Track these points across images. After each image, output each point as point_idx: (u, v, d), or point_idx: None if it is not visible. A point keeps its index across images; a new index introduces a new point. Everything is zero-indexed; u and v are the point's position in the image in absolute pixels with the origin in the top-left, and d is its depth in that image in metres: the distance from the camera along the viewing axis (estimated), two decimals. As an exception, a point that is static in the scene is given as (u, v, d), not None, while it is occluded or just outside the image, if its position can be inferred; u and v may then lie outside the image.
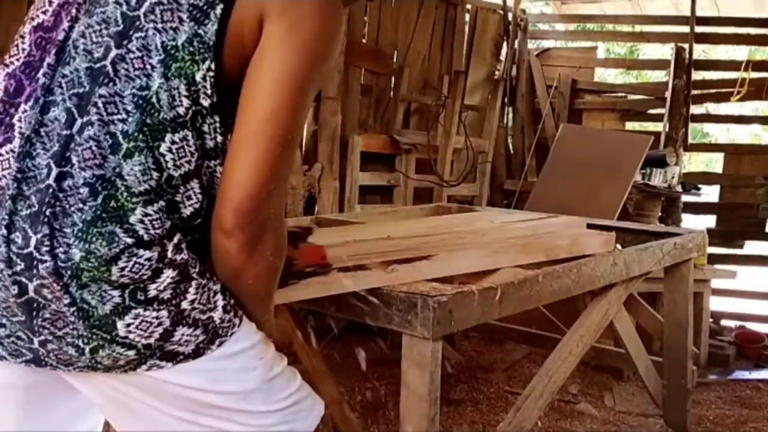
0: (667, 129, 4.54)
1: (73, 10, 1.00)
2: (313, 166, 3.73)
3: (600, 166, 4.03)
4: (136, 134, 0.93)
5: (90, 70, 0.95)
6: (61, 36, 0.99)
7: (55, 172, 0.93)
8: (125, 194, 0.93)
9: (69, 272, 0.92)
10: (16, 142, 0.96)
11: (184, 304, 0.98)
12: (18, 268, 0.92)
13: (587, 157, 4.14)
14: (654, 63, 5.89)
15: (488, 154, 4.63)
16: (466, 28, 4.78)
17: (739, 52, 7.07)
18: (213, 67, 0.96)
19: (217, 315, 1.01)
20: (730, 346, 3.90)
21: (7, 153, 0.96)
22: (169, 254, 0.97)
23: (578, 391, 3.28)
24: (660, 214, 4.26)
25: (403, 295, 1.54)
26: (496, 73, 4.98)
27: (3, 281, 0.94)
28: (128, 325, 0.94)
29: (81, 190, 0.92)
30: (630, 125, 5.15)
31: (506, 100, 4.95)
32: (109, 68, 0.95)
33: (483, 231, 2.25)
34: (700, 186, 4.49)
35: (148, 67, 0.94)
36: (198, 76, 0.95)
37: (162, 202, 0.96)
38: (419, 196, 4.24)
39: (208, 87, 0.96)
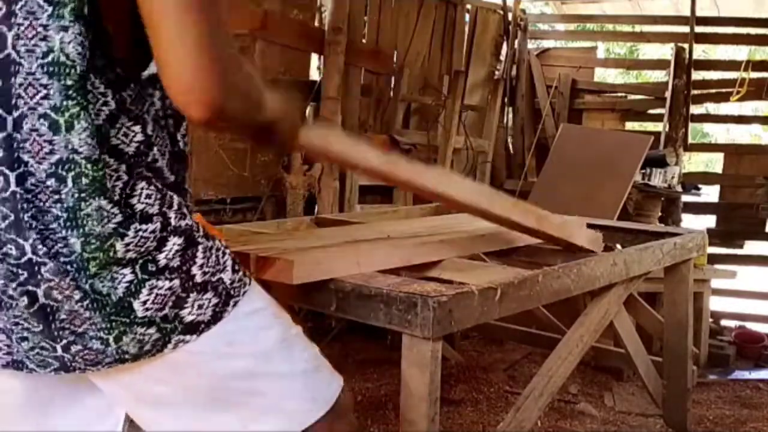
0: (667, 129, 4.55)
1: None
2: (313, 166, 3.73)
3: (600, 166, 4.03)
4: (65, 103, 0.88)
5: None
6: None
7: (12, 177, 0.90)
8: (89, 165, 0.89)
9: (75, 266, 0.90)
10: None
11: (194, 269, 0.97)
12: (22, 278, 0.91)
13: (587, 157, 4.14)
14: (654, 63, 5.90)
15: (488, 154, 4.63)
16: (466, 28, 4.79)
17: (739, 52, 7.07)
18: None
19: (226, 276, 1.01)
20: (730, 346, 3.89)
21: None
22: (173, 222, 0.96)
23: (578, 391, 3.28)
24: (660, 214, 4.26)
25: (403, 295, 1.54)
26: (496, 73, 4.98)
27: (11, 297, 0.93)
28: (144, 302, 0.93)
29: (48, 183, 0.90)
30: (630, 125, 5.16)
31: (506, 100, 4.96)
32: (13, 54, 0.89)
33: (482, 231, 2.25)
34: (700, 186, 4.49)
35: (39, 29, 0.88)
36: (86, 10, 0.89)
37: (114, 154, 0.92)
38: (419, 196, 4.23)
39: (99, 15, 0.90)
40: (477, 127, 4.71)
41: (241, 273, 1.04)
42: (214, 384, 1.01)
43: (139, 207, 0.93)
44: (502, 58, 5.00)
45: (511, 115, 5.03)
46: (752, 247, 4.72)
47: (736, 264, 4.47)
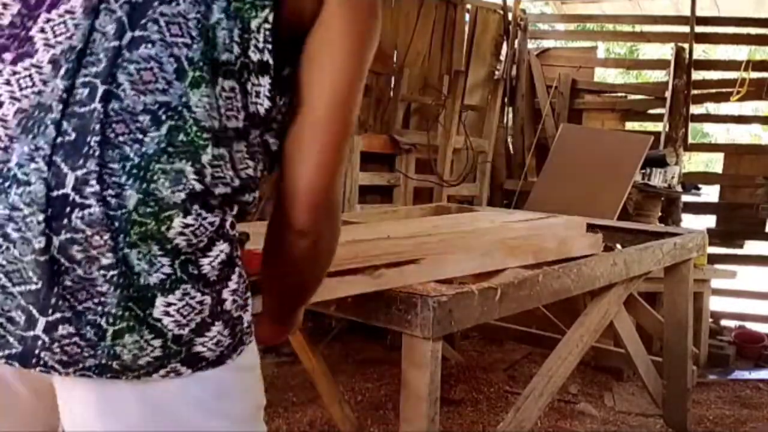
0: (667, 129, 4.54)
1: None
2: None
3: (600, 166, 4.03)
4: (201, 64, 0.81)
5: None
6: None
7: (101, 90, 0.78)
8: (195, 128, 0.80)
9: (118, 223, 0.76)
10: (44, 56, 0.80)
11: (225, 293, 0.84)
12: (46, 215, 0.75)
13: (587, 157, 4.14)
14: (654, 63, 5.89)
15: (488, 154, 4.63)
16: (466, 28, 4.78)
17: (739, 52, 7.08)
18: (271, 19, 0.84)
19: (246, 316, 0.88)
20: (730, 346, 3.90)
21: (27, 69, 0.80)
22: (227, 225, 0.85)
23: (578, 391, 3.28)
24: (660, 214, 4.26)
25: (403, 295, 1.54)
26: (496, 73, 4.98)
27: (27, 231, 0.75)
28: (168, 305, 0.79)
29: (140, 118, 0.78)
30: (630, 125, 5.15)
31: (506, 100, 4.95)
32: None
33: (483, 231, 2.25)
34: (700, 186, 4.49)
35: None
36: (253, 24, 0.83)
37: (225, 150, 0.83)
38: (419, 196, 4.24)
39: (261, 40, 0.84)
40: (477, 127, 4.71)
41: (252, 318, 0.91)
42: None
43: (210, 179, 0.82)
44: (502, 58, 5.00)
45: (511, 115, 5.03)
46: (752, 247, 4.72)
47: (736, 264, 4.47)
